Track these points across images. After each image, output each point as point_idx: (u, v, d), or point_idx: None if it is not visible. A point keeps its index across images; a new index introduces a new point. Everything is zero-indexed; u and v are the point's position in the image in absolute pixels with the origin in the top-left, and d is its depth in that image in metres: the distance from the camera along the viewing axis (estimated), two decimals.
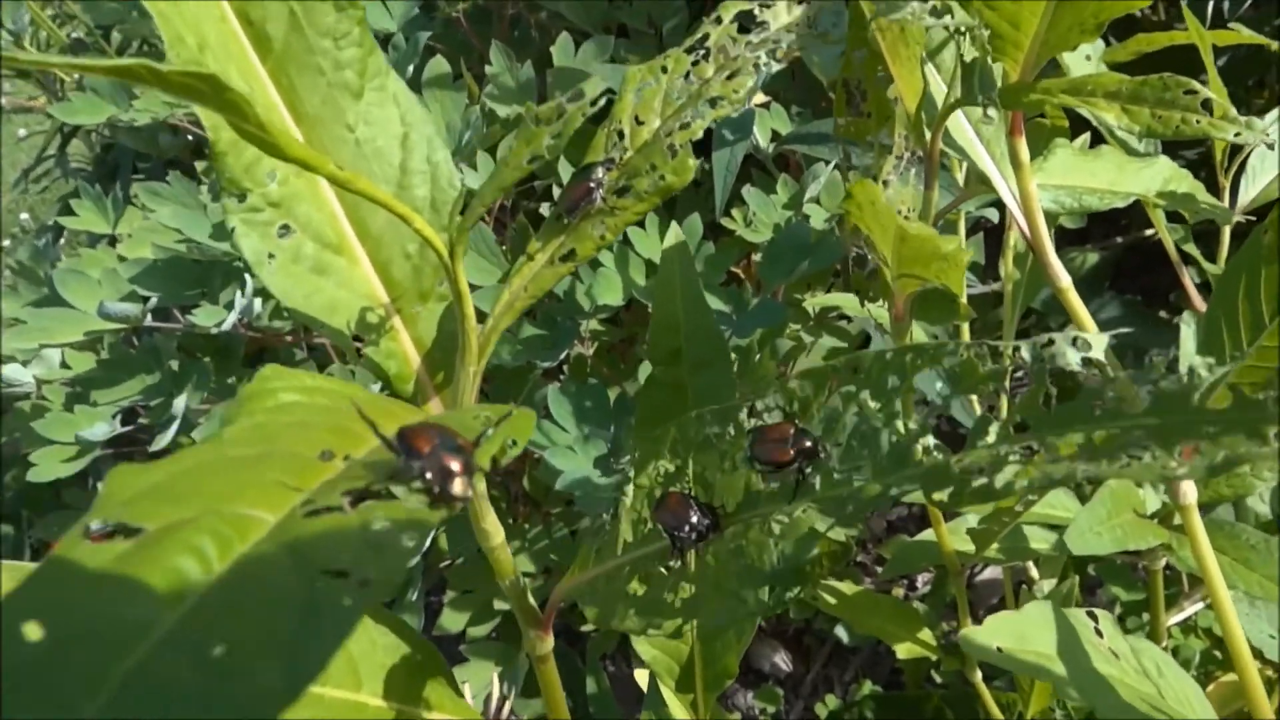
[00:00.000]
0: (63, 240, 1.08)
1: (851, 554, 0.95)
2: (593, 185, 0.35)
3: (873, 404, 0.30)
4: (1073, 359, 0.26)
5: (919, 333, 0.78)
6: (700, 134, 0.33)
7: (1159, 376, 0.28)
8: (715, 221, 0.84)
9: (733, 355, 0.84)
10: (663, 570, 0.35)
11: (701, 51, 0.35)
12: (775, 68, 0.32)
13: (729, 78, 0.33)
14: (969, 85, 0.35)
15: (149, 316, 0.80)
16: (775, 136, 0.86)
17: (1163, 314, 0.97)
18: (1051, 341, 0.27)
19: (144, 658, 0.17)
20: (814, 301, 0.85)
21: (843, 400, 0.30)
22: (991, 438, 0.27)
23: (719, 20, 0.34)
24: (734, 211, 0.83)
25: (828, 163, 0.79)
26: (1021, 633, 0.42)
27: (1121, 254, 1.00)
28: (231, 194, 0.34)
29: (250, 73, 0.34)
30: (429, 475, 0.22)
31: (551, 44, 0.87)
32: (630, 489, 0.36)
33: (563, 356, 0.82)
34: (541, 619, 0.38)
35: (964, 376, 0.28)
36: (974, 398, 0.77)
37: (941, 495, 0.29)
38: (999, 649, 0.41)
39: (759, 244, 0.81)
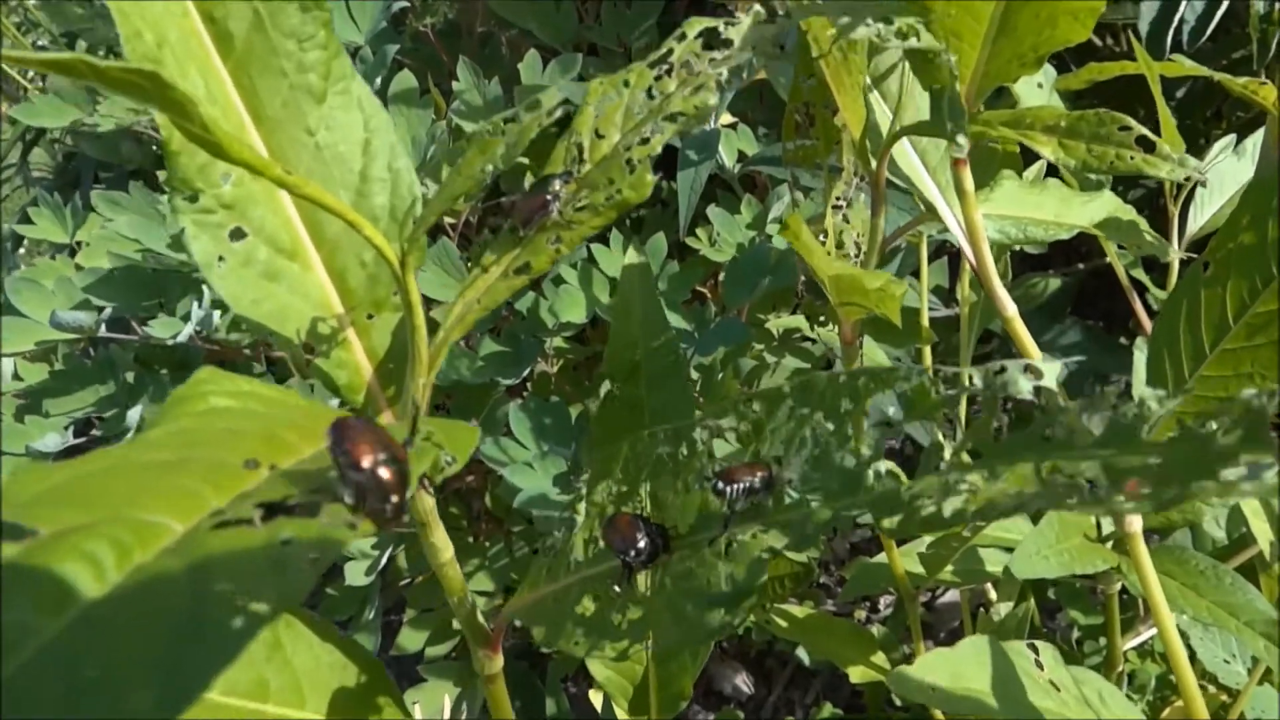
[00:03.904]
0: (23, 249, 1.07)
1: (814, 576, 0.95)
2: (549, 198, 0.35)
3: (826, 426, 0.29)
4: (1024, 387, 0.26)
5: (880, 355, 0.78)
6: (659, 149, 0.32)
7: (1111, 406, 0.28)
8: (681, 240, 0.84)
9: (695, 374, 0.84)
10: (612, 591, 0.35)
11: (665, 67, 0.35)
12: (737, 85, 0.32)
13: (691, 93, 0.33)
14: (938, 113, 0.35)
15: (104, 327, 0.79)
16: (742, 157, 0.87)
17: (1123, 340, 0.98)
18: (1004, 369, 0.27)
19: (12, 671, 0.16)
20: (778, 323, 0.85)
21: (796, 422, 0.30)
22: (943, 465, 0.27)
23: (683, 36, 0.34)
24: (699, 231, 0.83)
25: None
26: (956, 670, 0.42)
27: (1084, 279, 1.01)
28: (183, 194, 0.33)
29: (210, 72, 0.33)
30: (366, 492, 0.21)
31: (520, 61, 0.87)
32: (582, 507, 0.36)
33: (526, 374, 0.81)
34: (490, 637, 0.38)
35: (916, 402, 0.28)
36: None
37: (891, 522, 0.29)
38: (933, 688, 0.41)
39: (723, 263, 0.81)
